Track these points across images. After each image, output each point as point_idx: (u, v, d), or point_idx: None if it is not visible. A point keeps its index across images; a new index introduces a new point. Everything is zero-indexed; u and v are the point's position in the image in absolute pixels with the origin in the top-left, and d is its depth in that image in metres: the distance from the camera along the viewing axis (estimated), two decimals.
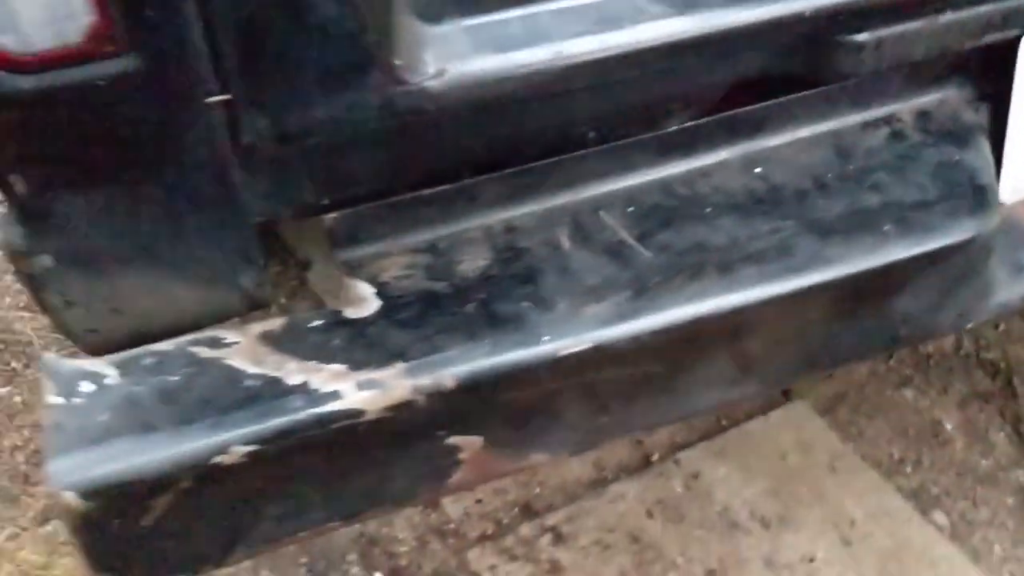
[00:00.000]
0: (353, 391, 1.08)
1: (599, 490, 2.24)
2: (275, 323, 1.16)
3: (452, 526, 2.17)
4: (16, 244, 1.06)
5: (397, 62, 1.08)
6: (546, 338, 1.13)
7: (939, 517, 2.21)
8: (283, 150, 1.10)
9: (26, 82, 0.96)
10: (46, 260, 1.08)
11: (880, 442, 2.37)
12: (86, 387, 1.09)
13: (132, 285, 1.13)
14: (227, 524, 1.11)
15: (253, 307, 1.21)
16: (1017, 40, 1.36)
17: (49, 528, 2.14)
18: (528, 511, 2.22)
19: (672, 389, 1.24)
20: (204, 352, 1.12)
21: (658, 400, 1.24)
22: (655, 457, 2.31)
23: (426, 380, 1.09)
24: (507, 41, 1.14)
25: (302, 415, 1.06)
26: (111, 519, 1.03)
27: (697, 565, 2.11)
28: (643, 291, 1.18)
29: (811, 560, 2.11)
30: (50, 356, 1.12)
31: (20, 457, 2.30)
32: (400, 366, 1.10)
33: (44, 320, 2.55)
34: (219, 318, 1.20)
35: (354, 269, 1.23)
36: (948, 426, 2.41)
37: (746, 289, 1.19)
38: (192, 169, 1.07)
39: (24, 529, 2.15)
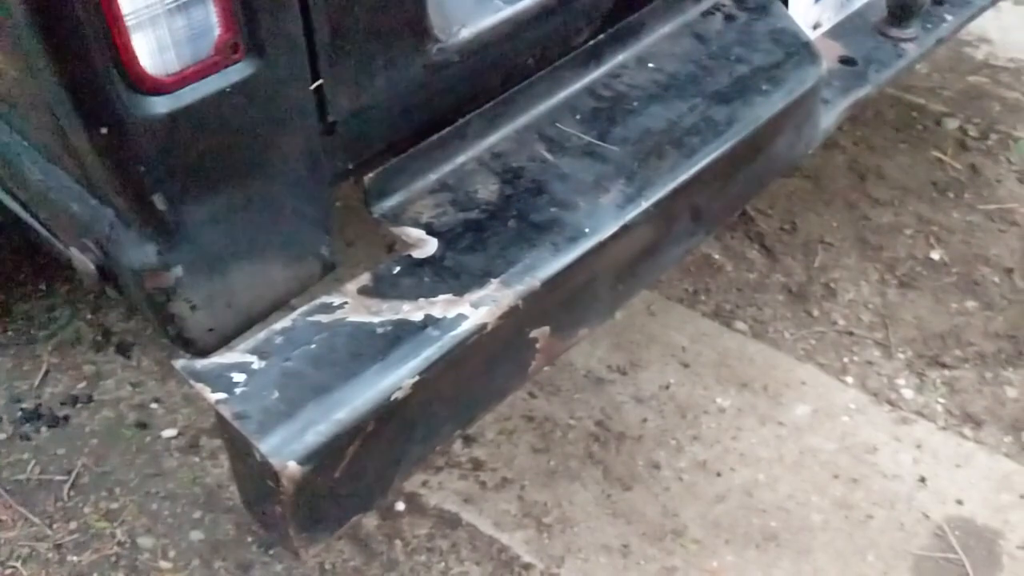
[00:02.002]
0: (472, 310, 1.26)
1: None
2: (363, 278, 1.29)
3: None
4: (150, 262, 1.11)
5: (433, 26, 1.24)
6: (587, 230, 1.38)
7: (740, 325, 2.73)
8: (355, 122, 1.23)
9: (168, 102, 1.02)
10: (178, 271, 1.13)
11: (674, 283, 2.84)
12: (239, 377, 1.17)
13: (243, 277, 1.21)
14: (388, 457, 1.25)
15: (326, 272, 1.33)
16: None
17: None
18: None
19: (658, 248, 1.53)
20: (324, 318, 1.24)
21: (650, 260, 1.53)
22: None
23: (521, 287, 1.30)
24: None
25: (445, 339, 1.22)
26: (317, 476, 1.15)
27: (587, 420, 2.46)
28: (632, 176, 1.46)
29: (667, 387, 2.55)
30: (182, 362, 1.17)
31: None
32: (495, 282, 1.30)
33: None
34: (302, 289, 1.31)
35: (394, 219, 1.38)
36: (716, 256, 2.94)
37: (701, 155, 1.50)
38: (291, 154, 1.17)
39: None
